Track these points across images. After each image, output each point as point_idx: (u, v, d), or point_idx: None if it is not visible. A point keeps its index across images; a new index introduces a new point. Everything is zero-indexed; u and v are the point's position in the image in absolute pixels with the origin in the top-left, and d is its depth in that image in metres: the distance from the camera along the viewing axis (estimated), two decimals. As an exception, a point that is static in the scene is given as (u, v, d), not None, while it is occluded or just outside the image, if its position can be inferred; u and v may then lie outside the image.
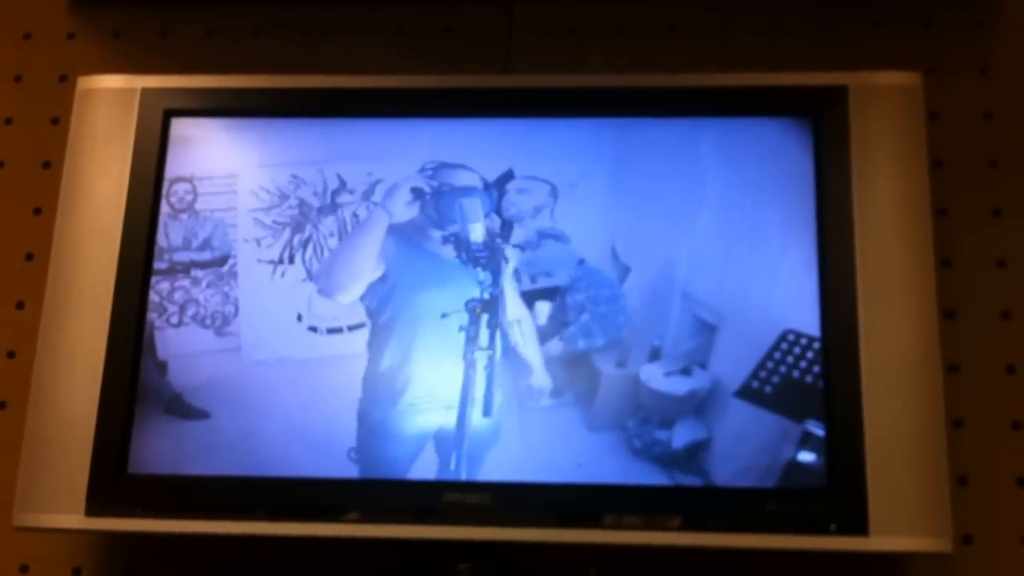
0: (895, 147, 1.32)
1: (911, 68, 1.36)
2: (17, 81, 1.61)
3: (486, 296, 1.32)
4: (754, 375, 1.27)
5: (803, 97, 1.36)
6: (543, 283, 1.33)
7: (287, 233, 1.37)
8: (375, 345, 1.33)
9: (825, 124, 1.34)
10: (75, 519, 1.27)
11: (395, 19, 1.60)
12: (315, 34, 1.60)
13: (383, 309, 1.34)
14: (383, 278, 1.35)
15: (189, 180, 1.40)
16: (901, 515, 1.20)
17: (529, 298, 1.33)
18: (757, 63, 1.49)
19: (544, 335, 1.31)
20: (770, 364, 1.27)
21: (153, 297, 1.35)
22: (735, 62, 1.51)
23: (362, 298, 1.34)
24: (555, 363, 1.30)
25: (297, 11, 1.60)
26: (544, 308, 1.32)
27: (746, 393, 1.27)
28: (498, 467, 1.28)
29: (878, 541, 1.20)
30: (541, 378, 1.30)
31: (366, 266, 1.35)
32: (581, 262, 1.33)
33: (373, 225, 1.36)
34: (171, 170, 1.39)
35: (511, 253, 1.34)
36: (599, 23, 1.58)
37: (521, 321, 1.32)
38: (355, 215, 1.37)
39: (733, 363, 1.28)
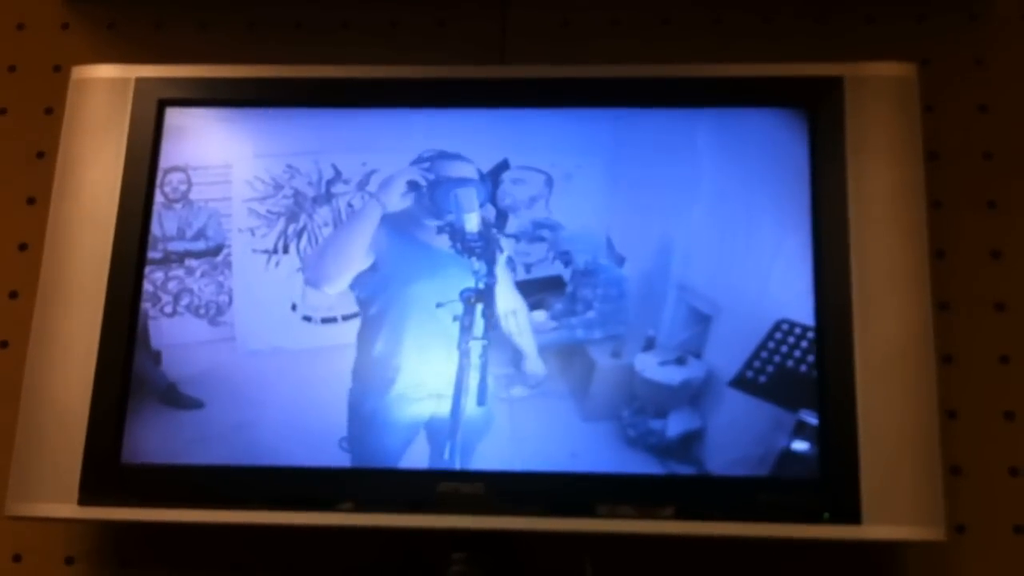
0: (890, 138, 1.33)
1: (906, 61, 1.37)
2: (11, 71, 1.60)
3: (481, 286, 1.32)
4: (748, 365, 1.27)
5: (799, 88, 1.36)
6: (539, 273, 1.33)
7: (282, 223, 1.37)
8: (365, 335, 1.32)
9: (820, 115, 1.34)
10: (68, 508, 1.27)
11: (389, 13, 1.59)
12: (309, 28, 1.60)
13: (374, 299, 1.34)
14: (373, 268, 1.35)
15: (183, 170, 1.39)
16: (894, 504, 1.20)
17: (526, 288, 1.33)
18: (752, 57, 1.49)
19: (541, 325, 1.31)
20: (764, 354, 1.27)
21: (147, 287, 1.35)
22: (730, 56, 1.51)
23: (352, 288, 1.34)
24: (550, 353, 1.30)
25: (291, 5, 1.60)
26: (542, 299, 1.32)
27: (740, 383, 1.27)
28: (492, 456, 1.28)
29: (871, 530, 1.20)
30: (536, 368, 1.30)
31: (355, 257, 1.35)
32: (594, 258, 1.33)
33: (365, 217, 1.36)
34: (165, 160, 1.39)
35: (506, 243, 1.34)
36: (594, 17, 1.57)
37: (516, 311, 1.32)
38: (350, 205, 1.37)
39: (727, 353, 1.28)
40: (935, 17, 1.53)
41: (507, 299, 1.32)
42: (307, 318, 1.34)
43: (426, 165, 1.37)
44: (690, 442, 1.26)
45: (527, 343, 1.31)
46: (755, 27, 1.55)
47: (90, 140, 1.39)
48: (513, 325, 1.31)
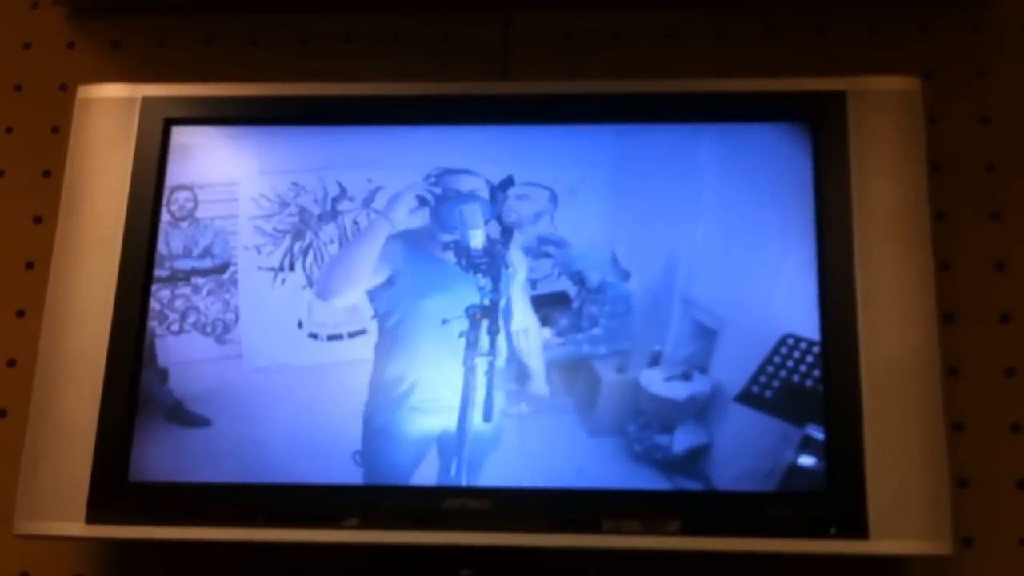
0: (894, 151, 1.33)
1: (908, 72, 1.37)
2: (17, 90, 1.61)
3: (486, 302, 1.33)
4: (754, 379, 1.27)
5: (802, 102, 1.36)
6: (545, 289, 1.33)
7: (287, 240, 1.38)
8: (382, 349, 1.33)
9: (824, 129, 1.34)
10: (76, 527, 1.27)
11: (393, 27, 1.60)
12: (312, 42, 1.60)
13: (391, 313, 1.34)
14: (390, 282, 1.35)
15: (190, 188, 1.40)
16: (901, 518, 1.20)
17: (533, 304, 1.33)
18: (754, 69, 1.50)
19: (547, 341, 1.32)
20: (770, 368, 1.27)
21: (154, 305, 1.36)
22: (732, 68, 1.51)
23: (371, 302, 1.34)
24: (556, 369, 1.31)
25: (294, 20, 1.61)
26: (548, 314, 1.32)
27: (746, 398, 1.27)
28: (499, 472, 1.28)
29: (878, 544, 1.20)
30: (542, 384, 1.30)
31: (363, 273, 1.35)
32: (599, 274, 1.33)
33: (374, 233, 1.37)
34: (171, 178, 1.40)
35: (513, 259, 1.34)
36: (596, 30, 1.58)
37: (528, 329, 1.32)
38: (355, 222, 1.37)
39: (733, 368, 1.28)
40: (938, 28, 1.53)
41: (521, 316, 1.32)
42: (313, 335, 1.35)
43: (432, 181, 1.37)
44: (696, 457, 1.27)
45: (536, 363, 1.31)
46: (758, 37, 1.55)
47: (96, 159, 1.39)
48: (523, 343, 1.31)
